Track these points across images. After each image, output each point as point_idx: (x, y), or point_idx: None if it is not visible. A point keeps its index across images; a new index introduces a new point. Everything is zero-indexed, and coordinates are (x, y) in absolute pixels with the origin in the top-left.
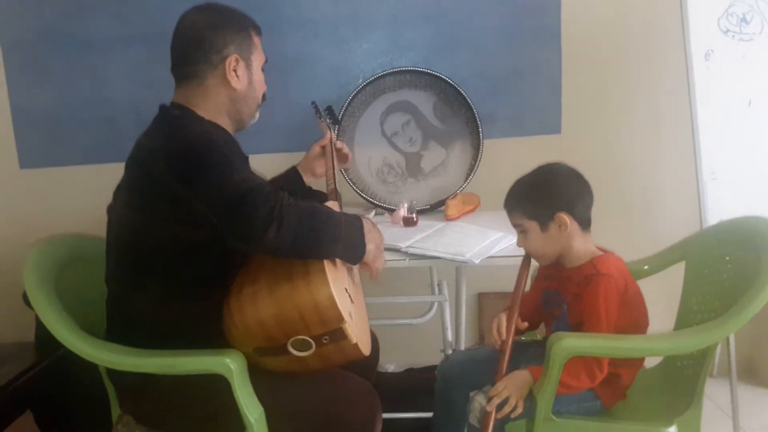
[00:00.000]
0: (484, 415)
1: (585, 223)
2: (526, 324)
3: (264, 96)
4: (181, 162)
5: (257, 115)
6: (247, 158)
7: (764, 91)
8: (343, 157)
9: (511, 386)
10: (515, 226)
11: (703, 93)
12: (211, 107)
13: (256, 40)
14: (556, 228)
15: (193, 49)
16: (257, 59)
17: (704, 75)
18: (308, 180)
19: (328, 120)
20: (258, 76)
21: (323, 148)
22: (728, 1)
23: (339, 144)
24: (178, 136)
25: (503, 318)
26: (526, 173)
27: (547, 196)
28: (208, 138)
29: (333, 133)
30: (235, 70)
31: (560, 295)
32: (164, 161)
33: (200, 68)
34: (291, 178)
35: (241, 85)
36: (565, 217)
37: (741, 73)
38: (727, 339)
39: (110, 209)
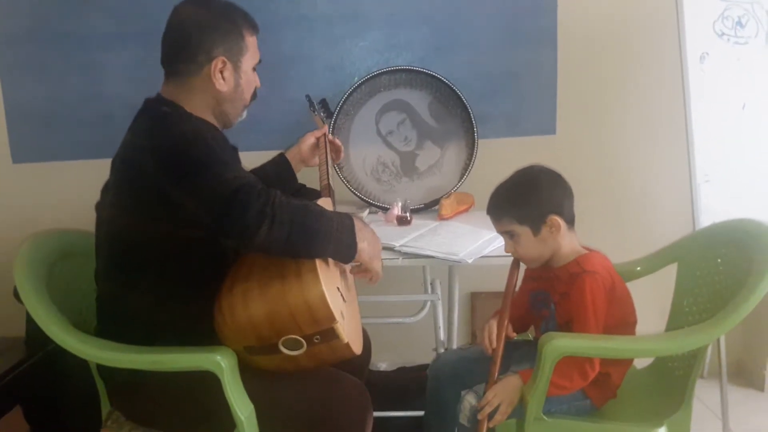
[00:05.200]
0: (476, 423)
1: (571, 222)
2: (515, 334)
3: (255, 94)
4: (171, 160)
5: (244, 114)
6: (236, 151)
7: (758, 95)
8: (335, 151)
9: (502, 394)
10: (504, 233)
11: (697, 95)
12: (197, 105)
13: (249, 40)
14: (549, 231)
15: (180, 48)
16: (248, 60)
17: (699, 77)
18: (297, 167)
19: (322, 114)
20: (247, 77)
21: (318, 140)
22: (724, 5)
23: (331, 137)
24: (167, 134)
25: (494, 325)
26: (505, 180)
27: (536, 199)
28: (198, 135)
29: (327, 127)
30: (221, 72)
31: (548, 295)
32: (154, 160)
33: (186, 67)
34: (279, 166)
35: (226, 88)
36: (557, 219)
37: (735, 76)
38: (718, 340)
39: (98, 207)
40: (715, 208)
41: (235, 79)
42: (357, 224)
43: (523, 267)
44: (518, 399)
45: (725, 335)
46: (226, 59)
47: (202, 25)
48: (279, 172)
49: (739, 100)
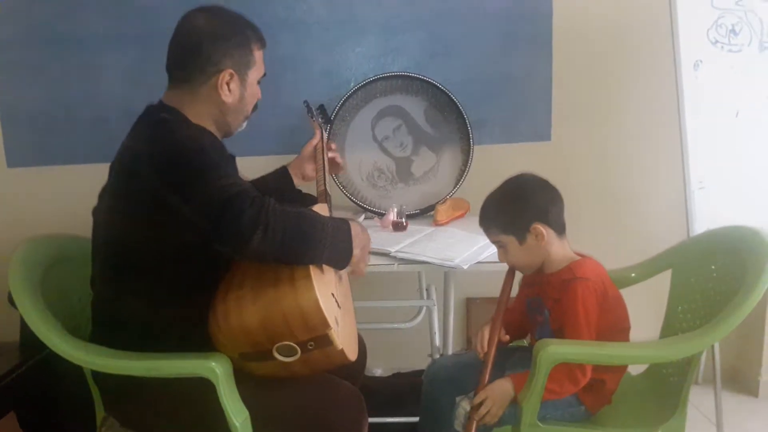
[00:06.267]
0: (465, 420)
1: (560, 229)
2: (508, 337)
3: (256, 105)
4: (169, 167)
5: (244, 125)
6: (234, 159)
7: (752, 102)
8: (335, 167)
9: (493, 396)
10: (493, 242)
11: (691, 103)
12: (200, 113)
13: (257, 54)
14: (534, 239)
15: (189, 57)
16: (254, 74)
17: (693, 85)
18: (297, 182)
19: (320, 119)
20: (252, 90)
21: (315, 147)
22: (717, 13)
23: (332, 154)
24: (165, 141)
25: (486, 331)
26: (495, 189)
27: (520, 209)
28: (196, 142)
29: (325, 133)
30: (228, 84)
31: (541, 302)
32: (151, 166)
33: (193, 76)
34: (280, 178)
35: (231, 99)
36: (541, 228)
37: (729, 83)
38: (712, 346)
39: (95, 212)
40: (710, 214)
41: (240, 91)
42: (354, 230)
43: (520, 273)
44: (509, 402)
45: (719, 341)
46: (233, 72)
47: (213, 35)
48: (278, 182)
49: (733, 107)
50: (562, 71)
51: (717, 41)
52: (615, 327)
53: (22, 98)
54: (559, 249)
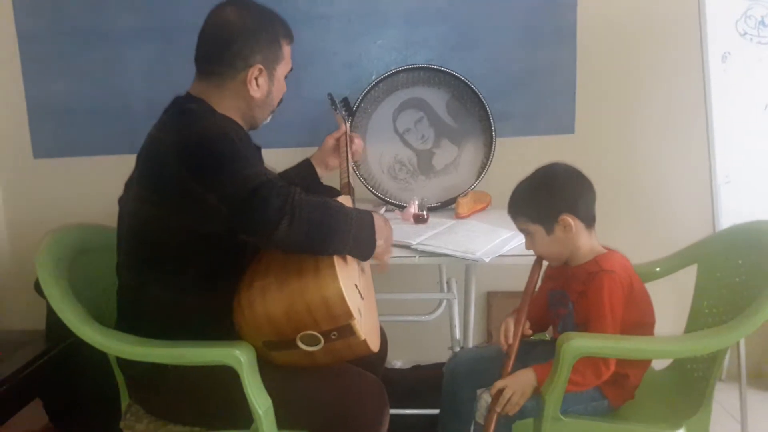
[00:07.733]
0: (487, 413)
1: (589, 221)
2: (531, 331)
3: (282, 99)
4: (195, 156)
5: (270, 118)
6: (259, 150)
7: None
8: (355, 149)
9: (514, 385)
10: (521, 230)
11: (719, 95)
12: (227, 105)
13: (285, 49)
14: (561, 230)
15: (219, 51)
16: (282, 69)
17: (721, 77)
18: (321, 172)
19: (343, 112)
20: (279, 85)
21: (337, 140)
22: (746, 4)
23: (357, 140)
24: (191, 130)
25: (510, 322)
26: (526, 177)
27: (549, 199)
28: (222, 132)
29: (348, 126)
30: (256, 79)
31: (565, 295)
32: (177, 155)
33: (223, 70)
34: (304, 170)
35: (259, 94)
36: (569, 219)
37: (758, 76)
38: (738, 343)
39: (121, 201)
40: (736, 209)
41: (268, 86)
42: (377, 221)
43: (545, 264)
44: (530, 392)
45: (745, 338)
46: (263, 67)
47: (245, 31)
48: (301, 174)
49: (762, 100)
50: (586, 63)
51: (746, 33)
52: (640, 321)
53: (49, 90)
54: (586, 241)
